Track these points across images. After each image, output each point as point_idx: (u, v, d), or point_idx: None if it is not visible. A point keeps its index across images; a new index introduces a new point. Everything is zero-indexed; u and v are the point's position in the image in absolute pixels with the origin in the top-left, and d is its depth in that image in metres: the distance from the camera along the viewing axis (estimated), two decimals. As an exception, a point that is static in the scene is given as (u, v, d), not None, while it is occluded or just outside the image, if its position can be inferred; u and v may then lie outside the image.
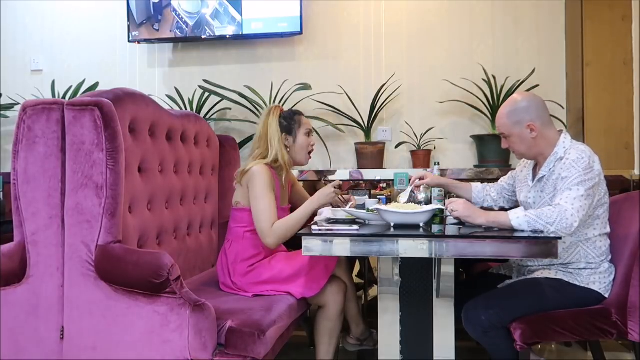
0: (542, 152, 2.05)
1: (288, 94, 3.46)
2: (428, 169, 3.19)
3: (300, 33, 3.52)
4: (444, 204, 2.13)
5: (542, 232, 1.80)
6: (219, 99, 3.53)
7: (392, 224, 1.87)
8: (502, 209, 2.22)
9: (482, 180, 3.14)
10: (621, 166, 3.04)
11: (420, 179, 2.27)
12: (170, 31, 3.64)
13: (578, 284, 2.01)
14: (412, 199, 2.23)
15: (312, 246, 1.73)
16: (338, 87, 3.52)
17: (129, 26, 3.68)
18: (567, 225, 1.81)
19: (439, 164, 2.43)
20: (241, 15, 3.56)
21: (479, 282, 2.26)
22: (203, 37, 3.62)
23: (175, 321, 1.73)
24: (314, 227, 1.87)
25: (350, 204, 2.24)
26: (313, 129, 2.42)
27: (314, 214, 2.16)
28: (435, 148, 3.44)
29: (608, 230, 2.05)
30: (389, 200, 2.57)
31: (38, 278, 1.82)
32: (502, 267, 2.28)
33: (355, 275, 3.18)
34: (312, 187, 3.36)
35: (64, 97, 3.65)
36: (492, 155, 3.25)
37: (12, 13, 3.98)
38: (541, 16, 3.43)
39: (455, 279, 1.90)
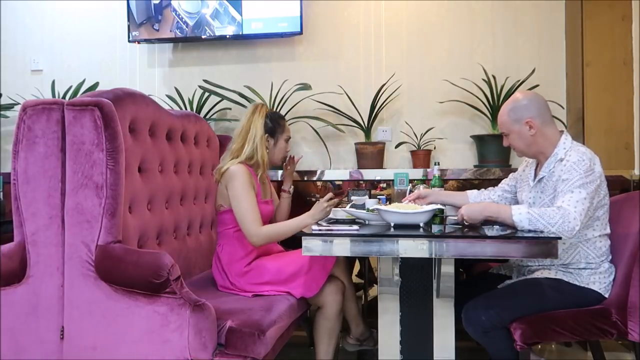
0: (542, 150, 2.06)
1: (288, 94, 3.46)
2: (428, 169, 3.19)
3: (300, 33, 3.52)
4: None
5: (541, 231, 1.80)
6: (219, 99, 3.53)
7: (392, 224, 1.87)
8: None
9: (483, 181, 3.15)
10: (621, 166, 3.04)
11: (417, 197, 2.20)
12: (170, 31, 3.64)
13: (578, 284, 2.01)
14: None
15: (312, 246, 1.73)
16: (338, 87, 3.52)
17: (129, 26, 3.68)
18: (569, 228, 1.80)
19: (439, 164, 2.42)
20: (241, 15, 3.56)
21: (479, 282, 2.26)
22: (203, 37, 3.62)
23: (175, 321, 1.73)
24: (314, 227, 1.87)
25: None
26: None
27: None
28: (435, 148, 3.44)
29: (608, 231, 2.05)
30: (389, 200, 2.57)
31: (38, 278, 1.82)
32: (502, 267, 2.28)
33: (355, 275, 3.18)
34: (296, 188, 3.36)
35: (64, 97, 3.65)
36: (492, 155, 3.25)
37: (12, 13, 3.98)
38: (541, 16, 3.43)
39: (455, 279, 1.90)
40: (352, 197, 2.42)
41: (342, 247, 1.72)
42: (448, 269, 1.88)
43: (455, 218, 1.95)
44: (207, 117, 3.55)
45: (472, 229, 1.86)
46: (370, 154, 3.36)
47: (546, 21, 3.42)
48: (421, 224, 1.87)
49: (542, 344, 2.82)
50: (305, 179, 3.31)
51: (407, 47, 3.56)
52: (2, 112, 3.76)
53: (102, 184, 1.76)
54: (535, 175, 2.13)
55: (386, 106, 3.46)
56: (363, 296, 3.24)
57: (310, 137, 3.58)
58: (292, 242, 2.26)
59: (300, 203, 3.00)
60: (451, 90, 3.40)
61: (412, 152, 3.42)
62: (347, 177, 3.30)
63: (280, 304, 2.03)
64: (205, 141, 2.65)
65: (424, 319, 1.90)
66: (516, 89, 3.21)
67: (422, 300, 1.90)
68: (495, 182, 2.76)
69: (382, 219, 1.90)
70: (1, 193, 2.99)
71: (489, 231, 1.84)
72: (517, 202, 2.25)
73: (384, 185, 3.25)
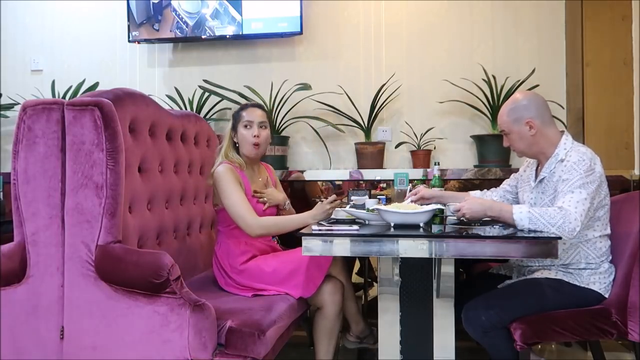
0: (543, 150, 2.06)
1: (288, 94, 3.46)
2: (428, 169, 3.19)
3: (300, 33, 3.52)
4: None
5: (541, 231, 1.79)
6: (219, 99, 3.53)
7: (392, 224, 1.87)
8: None
9: (483, 181, 3.15)
10: (621, 166, 3.04)
11: (416, 194, 2.21)
12: (170, 31, 3.64)
13: (578, 284, 2.01)
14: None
15: (312, 246, 1.72)
16: (338, 87, 3.52)
17: (129, 26, 3.68)
18: (570, 229, 1.80)
19: (439, 164, 2.42)
20: (241, 15, 3.56)
21: (479, 282, 2.26)
22: (203, 37, 3.62)
23: (175, 321, 1.73)
24: (314, 227, 1.87)
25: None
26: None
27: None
28: (435, 148, 3.44)
29: (608, 231, 2.05)
30: (389, 200, 2.57)
31: (38, 278, 1.82)
32: (502, 267, 2.27)
33: (355, 273, 3.18)
34: (292, 187, 3.37)
35: (64, 97, 3.65)
36: (492, 155, 3.25)
37: (12, 13, 3.98)
38: (541, 16, 3.43)
39: (455, 279, 1.90)
40: (352, 197, 2.42)
41: (342, 247, 1.72)
42: (448, 269, 1.88)
43: (454, 214, 1.94)
44: (207, 117, 3.55)
45: (472, 229, 1.86)
46: (370, 154, 3.36)
47: (546, 21, 3.42)
48: (421, 224, 1.87)
49: (542, 344, 2.82)
50: (306, 178, 3.31)
51: (407, 47, 3.56)
52: (2, 112, 3.76)
53: (102, 184, 1.76)
54: (536, 175, 2.13)
55: (386, 106, 3.46)
56: (363, 296, 3.24)
57: (310, 137, 3.58)
58: (290, 241, 2.26)
59: (305, 204, 2.99)
60: (451, 90, 3.40)
61: (412, 152, 3.42)
62: (347, 177, 3.30)
63: (280, 304, 2.03)
64: (205, 141, 2.65)
65: (424, 319, 1.90)
66: (516, 89, 3.21)
67: (422, 300, 1.90)
68: (495, 182, 2.76)
69: (382, 219, 1.90)
70: (1, 193, 2.99)
71: (490, 230, 1.84)
72: (518, 203, 2.25)
73: (384, 185, 3.25)
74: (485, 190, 2.40)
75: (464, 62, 3.48)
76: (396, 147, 3.44)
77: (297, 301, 2.14)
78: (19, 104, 3.66)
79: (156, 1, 3.64)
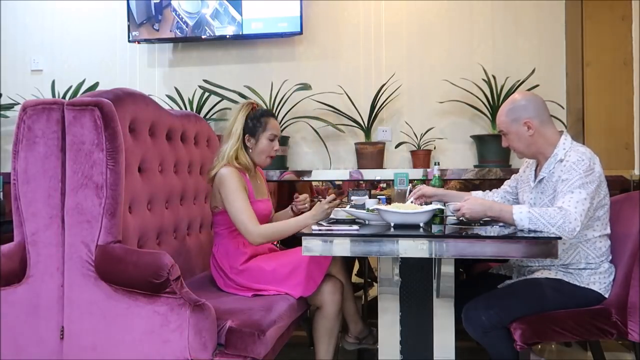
0: (541, 150, 2.06)
1: (288, 94, 3.46)
2: (428, 169, 3.19)
3: (300, 33, 3.52)
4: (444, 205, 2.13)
5: (541, 231, 1.80)
6: (219, 99, 3.53)
7: (392, 224, 1.87)
8: None
9: (483, 181, 3.15)
10: (621, 166, 3.04)
11: (421, 195, 2.19)
12: (170, 31, 3.64)
13: (578, 284, 2.01)
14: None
15: (312, 246, 1.73)
16: (338, 87, 3.52)
17: (129, 26, 3.68)
18: (570, 229, 1.80)
19: (439, 164, 2.42)
20: (241, 15, 3.56)
21: (479, 282, 2.26)
22: (203, 37, 3.62)
23: (175, 321, 1.73)
24: (314, 227, 1.87)
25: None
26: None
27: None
28: (435, 148, 3.44)
29: (608, 231, 2.05)
30: (389, 200, 2.57)
31: (38, 278, 1.82)
32: (502, 267, 2.28)
33: (355, 274, 3.18)
34: (293, 187, 3.37)
35: (64, 97, 3.65)
36: (492, 155, 3.25)
37: (12, 13, 3.98)
38: (541, 16, 3.43)
39: (455, 279, 1.90)
40: (352, 197, 2.42)
41: (342, 247, 1.72)
42: (448, 269, 1.88)
43: (454, 214, 1.95)
44: (207, 117, 3.55)
45: (472, 229, 1.86)
46: (370, 154, 3.35)
47: (546, 21, 3.42)
48: (421, 224, 1.87)
49: (542, 344, 2.82)
50: (305, 178, 3.31)
51: (407, 47, 3.56)
52: (2, 112, 3.76)
53: (102, 184, 1.76)
54: (536, 176, 2.13)
55: (386, 106, 3.46)
56: (363, 296, 3.24)
57: (310, 137, 3.58)
58: (290, 242, 2.26)
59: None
60: (451, 90, 3.40)
61: (412, 152, 3.42)
62: (347, 177, 3.30)
63: (280, 304, 2.03)
64: (205, 141, 2.65)
65: (424, 319, 1.90)
66: (516, 89, 3.21)
67: (422, 300, 1.90)
68: (494, 182, 2.76)
69: (382, 219, 1.90)
70: (1, 193, 2.99)
71: (490, 230, 1.84)
72: (519, 203, 2.25)
73: (384, 185, 3.25)
74: (487, 191, 2.40)
75: (464, 62, 3.48)
76: (396, 147, 3.44)
77: (297, 301, 2.14)
78: (19, 104, 3.66)
79: (156, 1, 3.64)
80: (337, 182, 3.38)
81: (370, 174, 3.27)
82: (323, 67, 3.63)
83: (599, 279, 2.01)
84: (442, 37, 3.53)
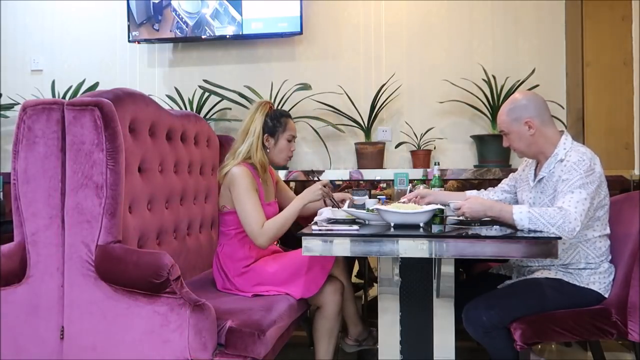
0: (542, 150, 2.06)
1: (288, 94, 3.46)
2: (428, 169, 3.19)
3: (300, 33, 3.52)
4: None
5: (541, 231, 1.80)
6: (219, 99, 3.54)
7: (392, 224, 1.87)
8: None
9: (483, 181, 3.15)
10: (621, 166, 3.04)
11: (416, 196, 2.19)
12: (170, 31, 3.64)
13: (578, 284, 2.01)
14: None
15: (312, 246, 1.72)
16: (338, 87, 3.52)
17: (129, 26, 3.68)
18: (569, 229, 1.80)
19: (439, 164, 2.42)
20: (241, 15, 3.56)
21: (479, 282, 2.26)
22: (203, 37, 3.62)
23: (175, 321, 1.73)
24: (314, 227, 1.87)
25: (347, 202, 2.23)
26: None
27: (314, 214, 2.16)
28: (435, 148, 3.44)
29: (608, 231, 2.05)
30: (389, 200, 2.57)
31: (38, 278, 1.81)
32: (502, 267, 2.27)
33: (355, 276, 3.18)
34: (302, 187, 3.36)
35: (64, 97, 3.65)
36: (492, 155, 3.25)
37: (12, 13, 3.99)
38: (541, 16, 3.43)
39: (455, 279, 1.90)
40: (352, 197, 2.42)
41: (342, 247, 1.72)
42: (448, 269, 1.88)
43: (454, 212, 1.95)
44: (207, 117, 3.55)
45: (472, 229, 1.86)
46: (370, 154, 3.36)
47: (546, 21, 3.43)
48: (421, 224, 1.87)
49: (542, 344, 2.82)
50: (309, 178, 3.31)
51: (407, 47, 3.57)
52: (2, 112, 3.76)
53: (102, 184, 1.76)
54: (535, 175, 2.13)
55: (386, 106, 3.46)
56: (363, 296, 3.24)
57: (310, 137, 3.58)
58: (292, 242, 2.26)
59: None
60: (451, 90, 3.40)
61: (412, 152, 3.42)
62: (347, 177, 3.30)
63: (280, 304, 2.03)
64: (205, 141, 2.65)
65: (424, 319, 1.90)
66: (516, 89, 3.21)
67: (422, 300, 1.90)
68: (495, 182, 2.76)
69: (382, 219, 1.90)
70: (1, 193, 2.99)
71: (489, 231, 1.84)
72: (517, 203, 2.25)
73: (384, 185, 3.25)
74: (482, 190, 2.40)
75: (464, 62, 3.48)
76: (396, 147, 3.44)
77: (297, 301, 2.14)
78: (19, 104, 3.66)
79: (156, 1, 3.64)
80: (337, 182, 3.37)
81: (370, 174, 3.27)
82: (323, 67, 3.63)
83: (598, 278, 2.01)
84: (442, 37, 3.53)
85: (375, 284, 3.06)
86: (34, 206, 1.81)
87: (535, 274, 2.08)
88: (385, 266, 1.92)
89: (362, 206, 2.22)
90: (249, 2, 3.54)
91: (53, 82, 3.75)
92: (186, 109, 3.59)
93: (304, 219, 2.38)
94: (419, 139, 3.40)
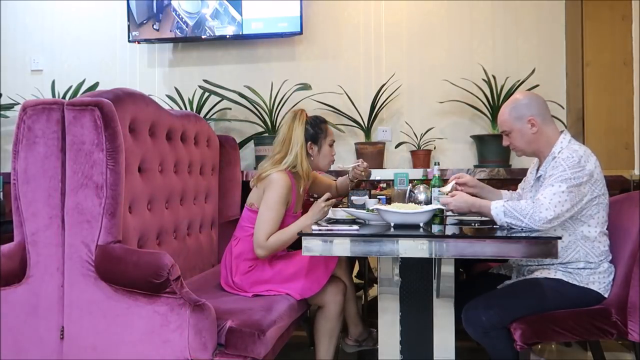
0: (541, 149, 2.07)
1: (288, 94, 3.46)
2: (428, 169, 3.19)
3: (300, 33, 3.52)
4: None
5: (517, 225, 1.83)
6: (219, 99, 3.53)
7: (392, 224, 1.87)
8: None
9: (483, 181, 3.14)
10: (621, 166, 3.04)
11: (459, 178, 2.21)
12: (170, 31, 3.64)
13: (577, 283, 2.01)
14: (412, 199, 2.23)
15: (312, 246, 1.73)
16: (338, 87, 3.52)
17: (129, 26, 3.68)
18: (540, 218, 1.82)
19: (439, 164, 2.42)
20: (241, 15, 3.56)
21: (479, 282, 2.26)
22: (203, 37, 3.62)
23: (175, 321, 1.73)
24: (314, 227, 1.87)
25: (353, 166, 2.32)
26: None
27: None
28: (435, 148, 3.44)
29: (606, 230, 2.05)
30: (389, 200, 2.57)
31: (38, 278, 1.82)
32: (502, 267, 2.28)
33: (355, 276, 3.18)
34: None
35: (64, 97, 3.65)
36: (492, 155, 3.25)
37: (12, 13, 3.98)
38: (541, 16, 3.43)
39: (455, 279, 1.90)
40: (352, 197, 2.42)
41: (342, 247, 1.72)
42: (448, 269, 1.88)
43: (446, 207, 1.97)
44: (207, 117, 3.55)
45: (472, 229, 1.86)
46: (370, 154, 3.35)
47: (546, 21, 3.42)
48: (421, 224, 1.87)
49: (542, 344, 2.82)
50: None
51: (407, 47, 3.57)
52: (2, 112, 3.76)
53: (102, 184, 1.76)
54: (536, 174, 2.14)
55: (386, 106, 3.46)
56: (363, 296, 3.24)
57: (310, 137, 3.57)
58: (295, 242, 2.26)
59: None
60: (451, 90, 3.40)
61: (412, 152, 3.42)
62: (347, 177, 3.29)
63: (280, 304, 2.03)
64: (205, 141, 2.65)
65: (424, 319, 1.90)
66: (516, 89, 3.21)
67: (422, 300, 1.90)
68: (495, 182, 2.76)
69: (382, 219, 1.90)
70: (1, 193, 2.99)
71: (491, 230, 1.84)
72: None
73: (384, 185, 3.25)
74: (512, 191, 2.39)
75: (464, 62, 3.48)
76: (396, 147, 3.44)
77: (297, 301, 2.14)
78: (19, 104, 3.66)
79: (156, 1, 3.64)
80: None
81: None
82: (323, 67, 3.63)
83: (598, 278, 2.01)
84: (442, 37, 3.53)
85: (375, 284, 3.06)
86: (34, 206, 1.81)
87: (535, 274, 2.08)
88: (385, 266, 1.92)
89: (362, 206, 2.22)
90: (249, 2, 3.54)
91: (53, 82, 3.74)
92: (186, 109, 3.59)
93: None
94: (419, 139, 3.40)
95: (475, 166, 3.35)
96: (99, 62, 3.88)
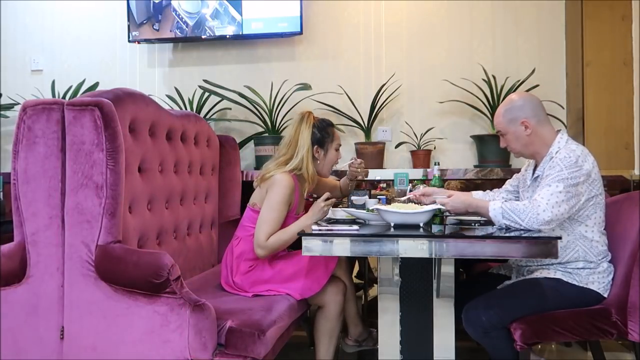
0: (538, 150, 2.07)
1: (288, 94, 3.46)
2: (428, 169, 3.19)
3: (300, 33, 3.52)
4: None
5: (514, 226, 1.83)
6: (219, 99, 3.53)
7: (392, 224, 1.87)
8: None
9: (484, 181, 3.15)
10: (621, 166, 3.04)
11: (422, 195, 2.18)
12: (170, 31, 3.64)
13: (577, 283, 2.01)
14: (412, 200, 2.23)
15: (312, 246, 1.72)
16: (338, 87, 3.52)
17: (129, 26, 3.68)
18: (538, 219, 1.82)
19: (439, 164, 2.42)
20: (241, 15, 3.56)
21: (479, 282, 2.26)
22: (203, 37, 3.62)
23: (175, 321, 1.73)
24: (314, 227, 1.87)
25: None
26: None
27: None
28: (435, 148, 3.44)
29: (603, 230, 2.05)
30: (389, 200, 2.57)
31: (38, 278, 1.82)
32: (502, 267, 2.28)
33: (355, 276, 3.18)
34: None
35: (64, 97, 3.65)
36: (492, 155, 3.25)
37: (12, 13, 3.98)
38: (541, 16, 3.43)
39: (455, 279, 1.90)
40: (352, 197, 2.42)
41: (342, 247, 1.72)
42: (448, 269, 1.88)
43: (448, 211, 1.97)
44: (207, 117, 3.55)
45: (472, 229, 1.86)
46: (370, 154, 3.35)
47: (546, 21, 3.42)
48: (421, 224, 1.87)
49: (542, 344, 2.82)
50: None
51: (407, 47, 3.56)
52: (2, 112, 3.76)
53: (102, 184, 1.76)
54: (533, 174, 2.14)
55: (386, 106, 3.46)
56: (363, 296, 3.24)
57: (310, 137, 3.57)
58: (295, 242, 2.26)
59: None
60: (451, 90, 3.40)
61: (412, 152, 3.42)
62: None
63: (280, 304, 2.03)
64: (205, 141, 2.65)
65: (424, 319, 1.90)
66: (516, 89, 3.21)
67: (422, 300, 1.90)
68: (495, 182, 2.76)
69: (382, 219, 1.90)
70: (1, 193, 2.99)
71: (490, 229, 1.84)
72: None
73: (384, 185, 3.25)
74: (488, 191, 2.40)
75: (464, 62, 3.48)
76: (396, 147, 3.44)
77: (297, 301, 2.14)
78: (19, 104, 3.66)
79: (156, 1, 3.64)
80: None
81: (370, 174, 3.27)
82: (323, 67, 3.63)
83: (597, 278, 2.01)
84: (442, 37, 3.53)
85: (375, 284, 3.06)
86: (34, 206, 1.81)
87: (535, 274, 2.08)
88: (385, 266, 1.92)
89: (362, 206, 2.22)
90: (249, 2, 3.54)
91: (53, 82, 3.74)
92: (186, 109, 3.59)
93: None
94: (419, 139, 3.40)
95: (475, 166, 3.35)
96: (99, 62, 3.88)
